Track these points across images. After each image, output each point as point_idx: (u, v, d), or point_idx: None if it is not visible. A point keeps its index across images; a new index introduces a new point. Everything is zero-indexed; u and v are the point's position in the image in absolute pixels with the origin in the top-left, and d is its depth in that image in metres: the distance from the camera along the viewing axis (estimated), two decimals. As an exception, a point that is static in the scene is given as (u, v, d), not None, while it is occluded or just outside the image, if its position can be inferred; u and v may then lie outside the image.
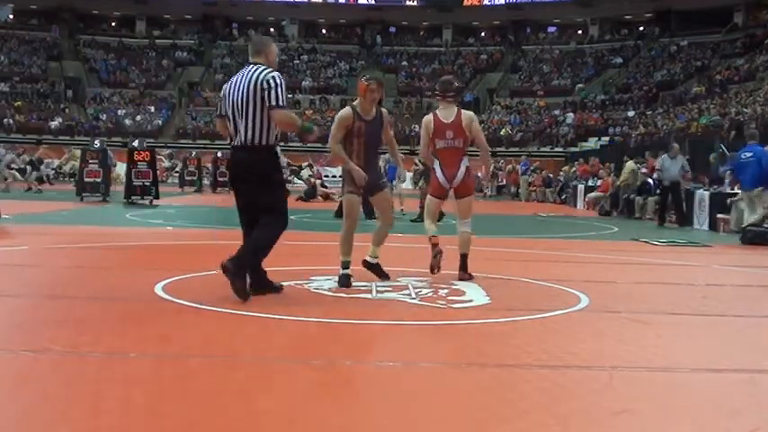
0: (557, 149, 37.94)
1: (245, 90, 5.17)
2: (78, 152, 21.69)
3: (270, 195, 5.21)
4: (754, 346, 4.33)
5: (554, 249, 9.79)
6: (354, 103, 5.95)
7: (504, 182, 32.23)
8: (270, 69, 5.26)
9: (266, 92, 5.10)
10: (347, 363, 3.66)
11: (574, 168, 25.99)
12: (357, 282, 5.95)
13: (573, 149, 36.00)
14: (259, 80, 5.15)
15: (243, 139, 5.17)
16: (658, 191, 15.57)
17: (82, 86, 45.72)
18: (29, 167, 23.40)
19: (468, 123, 6.27)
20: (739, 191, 12.74)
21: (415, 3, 49.39)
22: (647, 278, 7.11)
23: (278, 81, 5.18)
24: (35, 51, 47.07)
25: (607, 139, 36.36)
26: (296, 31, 50.78)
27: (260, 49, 5.48)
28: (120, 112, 43.13)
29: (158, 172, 20.15)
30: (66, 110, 43.31)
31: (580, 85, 42.94)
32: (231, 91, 5.28)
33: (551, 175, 27.44)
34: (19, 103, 41.93)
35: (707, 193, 14.54)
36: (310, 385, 3.24)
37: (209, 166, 27.99)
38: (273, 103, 5.10)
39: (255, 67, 5.29)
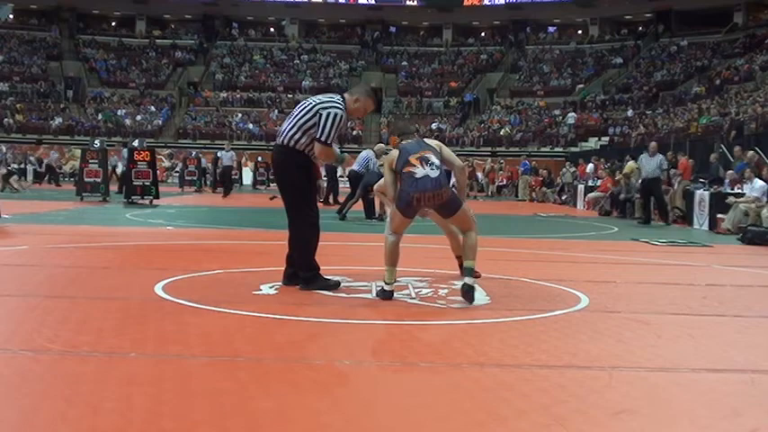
0: (557, 149, 37.94)
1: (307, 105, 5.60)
2: (78, 152, 21.71)
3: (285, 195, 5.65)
4: (754, 346, 4.33)
5: (554, 249, 9.79)
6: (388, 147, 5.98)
7: (505, 182, 32.27)
8: (333, 103, 5.53)
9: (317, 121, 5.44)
10: (347, 363, 3.66)
11: (573, 169, 26.02)
12: (357, 282, 5.96)
13: (573, 149, 36.00)
14: (320, 107, 5.51)
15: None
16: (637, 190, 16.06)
17: (82, 86, 45.71)
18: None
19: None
20: (740, 191, 12.76)
21: (415, 3, 49.37)
22: (647, 278, 7.12)
23: (331, 117, 5.44)
24: (35, 51, 47.05)
25: (607, 139, 36.36)
26: (296, 31, 50.77)
27: (355, 89, 5.82)
28: (120, 111, 43.13)
29: (158, 172, 20.14)
30: (67, 110, 43.30)
31: (580, 86, 42.94)
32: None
33: (551, 175, 27.45)
34: (20, 106, 41.93)
35: (707, 194, 14.55)
36: (310, 385, 3.24)
37: (209, 165, 28.00)
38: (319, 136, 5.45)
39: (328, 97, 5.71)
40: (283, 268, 5.73)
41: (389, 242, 5.37)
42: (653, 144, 16.05)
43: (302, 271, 5.56)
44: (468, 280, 5.20)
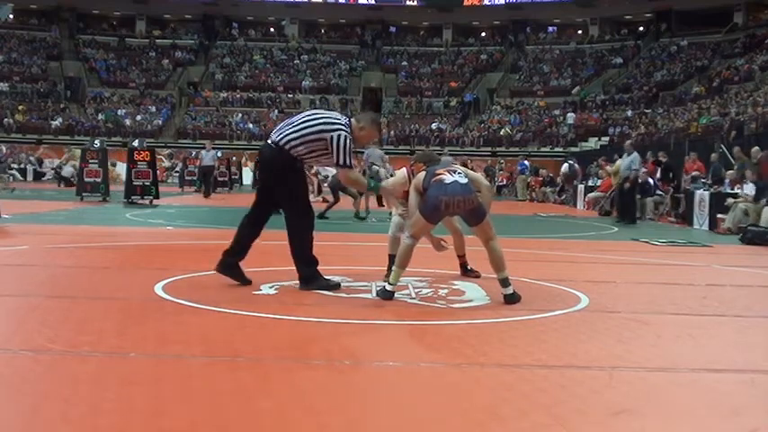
0: (557, 149, 37.93)
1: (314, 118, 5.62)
2: (78, 152, 21.70)
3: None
4: (754, 346, 4.33)
5: (554, 249, 9.79)
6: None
7: (505, 182, 32.25)
8: (340, 126, 5.52)
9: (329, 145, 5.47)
10: (347, 363, 3.66)
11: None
12: (357, 282, 5.95)
13: (573, 149, 36.00)
14: (327, 127, 5.51)
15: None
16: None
17: (82, 86, 45.71)
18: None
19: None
20: (740, 191, 12.77)
21: (415, 3, 49.35)
22: (647, 278, 7.12)
23: (342, 140, 5.46)
24: (35, 51, 47.04)
25: (607, 139, 36.36)
26: (296, 31, 50.75)
27: (361, 117, 5.86)
28: (120, 111, 43.13)
29: (158, 172, 20.13)
30: (67, 110, 43.29)
31: (576, 89, 42.91)
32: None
33: (551, 175, 27.44)
34: (21, 107, 41.93)
35: (707, 194, 14.55)
36: (310, 385, 3.24)
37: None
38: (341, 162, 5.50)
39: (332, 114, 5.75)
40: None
41: (406, 245, 5.36)
42: (627, 143, 16.35)
43: (301, 267, 5.59)
44: (505, 291, 5.27)
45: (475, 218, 5.35)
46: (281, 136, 5.57)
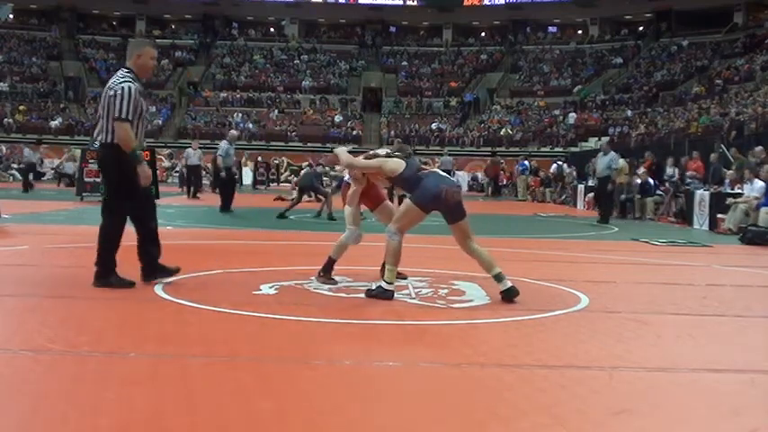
0: (557, 149, 37.92)
1: (104, 93, 5.47)
2: (78, 152, 21.69)
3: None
4: (754, 346, 4.34)
5: (554, 249, 9.79)
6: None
7: (505, 182, 32.24)
8: (123, 78, 5.41)
9: (112, 99, 5.32)
10: (347, 363, 3.66)
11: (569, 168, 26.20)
12: (357, 282, 5.95)
13: (573, 149, 36.00)
14: (108, 87, 5.43)
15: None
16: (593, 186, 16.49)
17: (82, 86, 45.71)
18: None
19: None
20: (740, 191, 12.78)
21: (415, 3, 49.36)
22: (647, 278, 7.12)
23: (124, 91, 5.32)
24: (35, 51, 47.04)
25: (607, 139, 36.34)
26: (296, 31, 50.74)
27: (129, 53, 5.66)
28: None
29: (158, 172, 20.12)
30: (67, 110, 43.29)
31: (578, 87, 42.91)
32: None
33: (550, 176, 27.46)
34: (22, 108, 41.91)
35: (707, 193, 14.55)
36: (310, 385, 3.24)
37: (210, 165, 27.97)
38: (116, 114, 5.32)
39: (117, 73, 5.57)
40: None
41: (396, 242, 5.39)
42: (604, 143, 16.38)
43: (96, 265, 5.52)
44: (502, 286, 5.29)
45: (459, 213, 5.44)
46: (102, 133, 5.47)
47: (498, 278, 5.31)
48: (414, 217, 5.44)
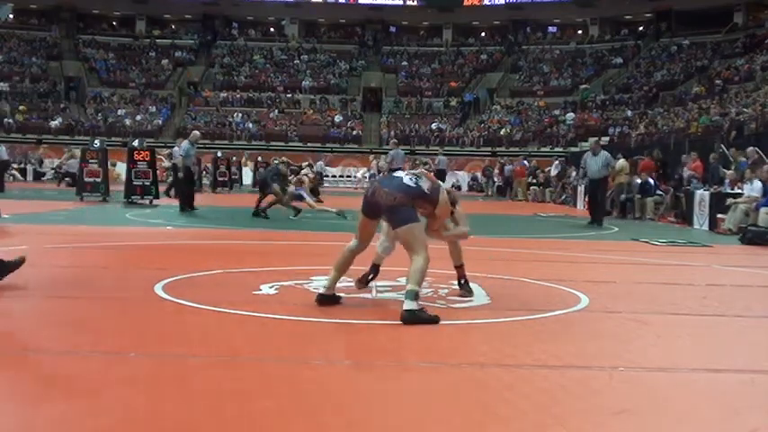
0: (557, 149, 37.92)
1: None
2: (78, 152, 21.70)
3: None
4: (754, 346, 4.33)
5: (554, 249, 9.78)
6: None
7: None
8: None
9: None
10: (347, 363, 3.66)
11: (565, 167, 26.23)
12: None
13: (573, 149, 36.01)
14: None
15: None
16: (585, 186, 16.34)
17: (82, 86, 45.71)
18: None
19: None
20: (740, 191, 12.78)
21: (415, 3, 49.36)
22: (647, 278, 7.11)
23: None
24: (35, 51, 47.03)
25: (607, 139, 36.35)
26: (296, 31, 50.75)
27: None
28: (120, 111, 43.13)
29: (158, 172, 20.13)
30: (67, 110, 43.29)
31: (583, 86, 42.87)
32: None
33: (551, 176, 27.46)
34: (22, 108, 41.92)
35: (707, 193, 14.55)
36: (310, 385, 3.24)
37: (209, 165, 27.97)
38: None
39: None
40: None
41: (345, 247, 5.11)
42: (594, 143, 15.61)
43: None
44: (406, 305, 4.55)
45: (394, 219, 4.85)
46: None
47: (409, 295, 4.58)
48: (360, 221, 5.09)
